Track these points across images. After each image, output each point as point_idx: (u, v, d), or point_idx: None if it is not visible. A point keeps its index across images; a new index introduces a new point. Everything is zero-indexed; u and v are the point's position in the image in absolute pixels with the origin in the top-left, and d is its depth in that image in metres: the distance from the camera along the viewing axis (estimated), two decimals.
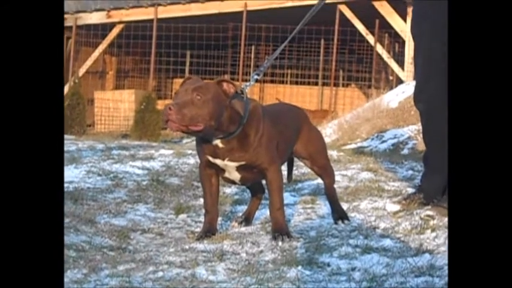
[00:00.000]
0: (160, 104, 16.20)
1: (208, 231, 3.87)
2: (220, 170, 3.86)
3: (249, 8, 16.74)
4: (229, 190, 5.35)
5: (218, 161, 3.79)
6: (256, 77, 4.09)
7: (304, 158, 4.24)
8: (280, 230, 3.74)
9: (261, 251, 3.52)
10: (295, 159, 4.36)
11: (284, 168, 4.14)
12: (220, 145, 3.73)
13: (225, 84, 3.63)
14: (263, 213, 4.40)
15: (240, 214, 4.41)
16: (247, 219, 4.28)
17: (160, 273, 3.06)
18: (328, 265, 3.18)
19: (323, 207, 4.71)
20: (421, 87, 4.33)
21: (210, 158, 3.80)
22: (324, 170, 4.32)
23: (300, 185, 5.62)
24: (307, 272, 3.04)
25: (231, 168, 3.82)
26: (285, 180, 4.15)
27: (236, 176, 3.87)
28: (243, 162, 3.78)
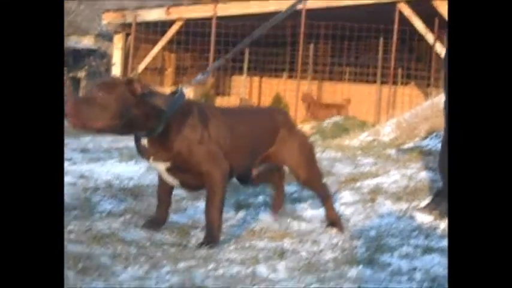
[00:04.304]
0: (219, 101, 16.24)
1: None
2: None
3: (308, 7, 16.68)
4: (287, 188, 5.34)
5: (147, 162, 3.72)
6: (200, 77, 4.04)
7: (287, 167, 4.09)
8: (211, 240, 3.64)
9: (321, 250, 3.52)
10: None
11: None
12: (146, 144, 3.62)
13: (134, 84, 3.47)
14: (323, 212, 4.39)
15: (298, 211, 4.42)
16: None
17: (221, 271, 3.08)
18: (389, 265, 3.17)
19: (382, 206, 4.68)
20: None
21: (141, 158, 3.72)
22: (310, 185, 4.14)
23: (358, 183, 5.59)
24: (368, 272, 3.04)
25: (161, 170, 3.71)
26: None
27: (170, 180, 3.75)
28: (168, 164, 3.65)
